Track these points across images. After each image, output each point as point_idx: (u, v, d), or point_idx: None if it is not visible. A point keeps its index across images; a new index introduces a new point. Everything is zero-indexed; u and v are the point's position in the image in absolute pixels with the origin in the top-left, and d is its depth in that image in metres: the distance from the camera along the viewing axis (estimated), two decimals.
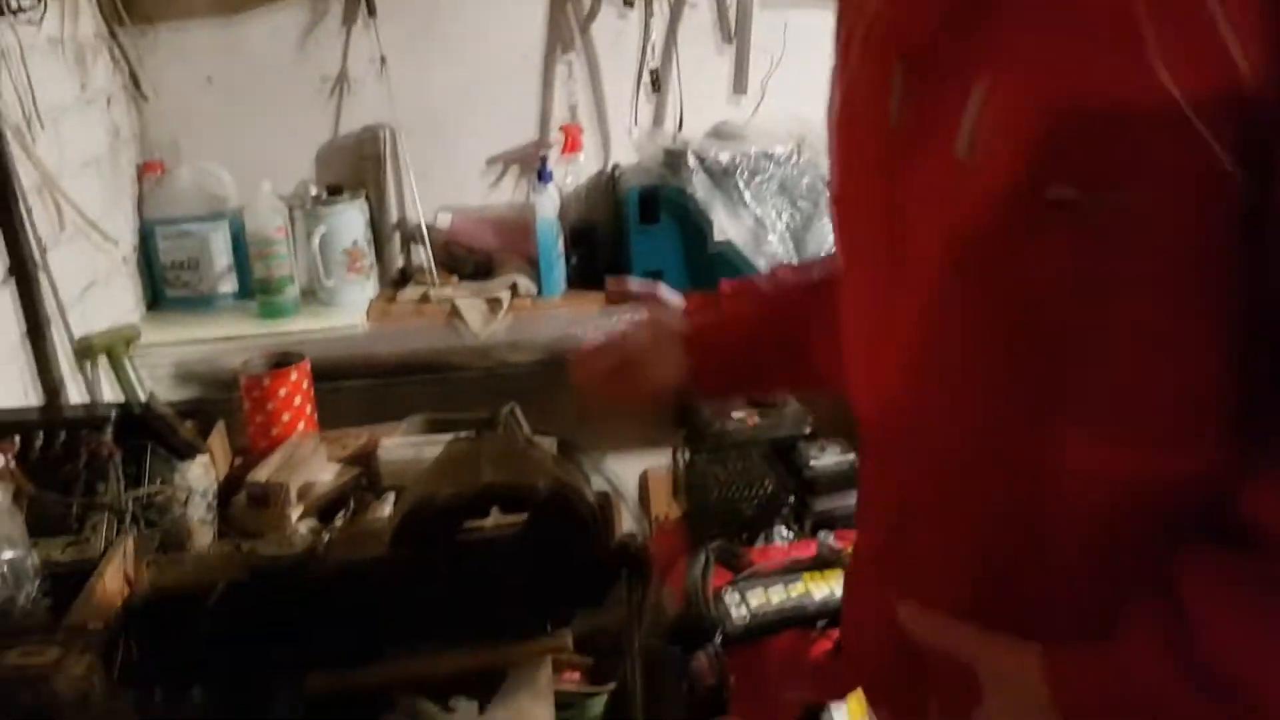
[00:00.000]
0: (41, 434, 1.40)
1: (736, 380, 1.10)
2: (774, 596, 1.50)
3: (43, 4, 1.76)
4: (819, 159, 2.41)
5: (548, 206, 2.42)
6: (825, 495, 1.74)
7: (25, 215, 1.80)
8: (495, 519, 1.18)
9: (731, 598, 1.52)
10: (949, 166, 0.69)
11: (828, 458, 1.76)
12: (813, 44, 2.39)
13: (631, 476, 2.45)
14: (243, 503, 1.64)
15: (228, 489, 1.71)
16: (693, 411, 1.85)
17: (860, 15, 0.80)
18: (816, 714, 1.68)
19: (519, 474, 1.13)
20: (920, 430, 0.74)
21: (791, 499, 1.74)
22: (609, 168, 2.66)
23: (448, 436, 1.62)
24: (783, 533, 1.71)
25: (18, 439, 1.39)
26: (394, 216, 2.58)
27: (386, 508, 1.60)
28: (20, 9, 1.71)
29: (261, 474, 1.62)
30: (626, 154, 2.63)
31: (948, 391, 0.72)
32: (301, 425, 1.78)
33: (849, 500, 1.71)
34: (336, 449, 1.79)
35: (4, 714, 0.84)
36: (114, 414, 1.42)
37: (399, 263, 2.60)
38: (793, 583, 1.53)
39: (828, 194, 0.86)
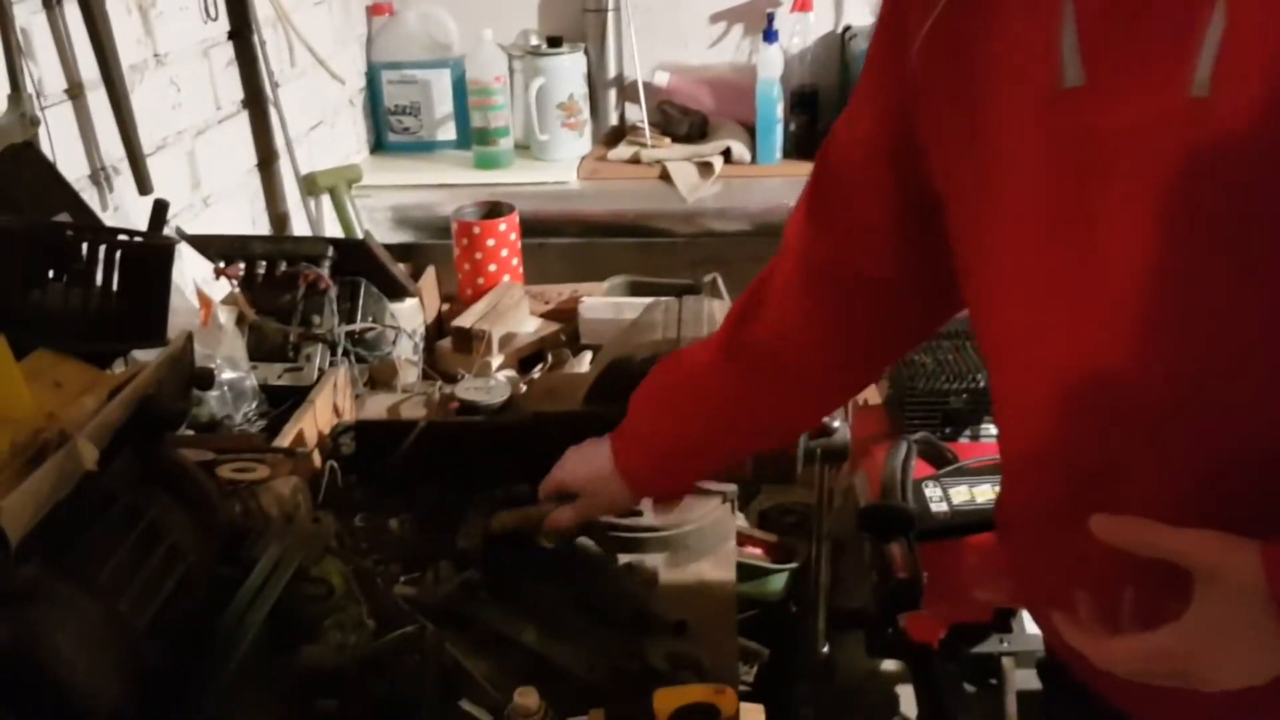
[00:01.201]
0: (265, 262, 1.45)
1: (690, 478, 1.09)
2: (978, 495, 1.43)
3: None
4: None
5: (771, 68, 2.31)
6: None
7: (260, 49, 1.84)
8: None
9: (933, 491, 1.45)
10: (1177, 110, 0.63)
11: None
12: None
13: None
14: (448, 346, 1.68)
15: (435, 331, 1.76)
16: None
17: None
18: (1008, 616, 1.61)
19: None
20: (1149, 382, 0.69)
21: None
22: (840, 29, 2.51)
23: (648, 300, 1.61)
24: (991, 430, 1.62)
25: (243, 265, 1.45)
26: (612, 71, 2.52)
27: (584, 364, 1.60)
28: None
29: (467, 320, 1.65)
30: (861, 14, 2.48)
31: (1196, 340, 0.67)
32: (507, 277, 1.79)
33: None
34: (539, 303, 1.80)
35: (215, 521, 0.88)
36: (332, 249, 1.45)
37: (613, 119, 2.56)
38: (999, 483, 1.44)
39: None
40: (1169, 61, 0.63)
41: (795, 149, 2.39)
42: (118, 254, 1.01)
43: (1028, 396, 0.78)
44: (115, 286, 1.01)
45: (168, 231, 1.53)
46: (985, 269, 0.79)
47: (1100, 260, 0.69)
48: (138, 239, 1.05)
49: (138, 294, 1.03)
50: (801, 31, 2.45)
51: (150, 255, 1.05)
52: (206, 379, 0.99)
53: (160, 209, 1.15)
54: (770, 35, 2.32)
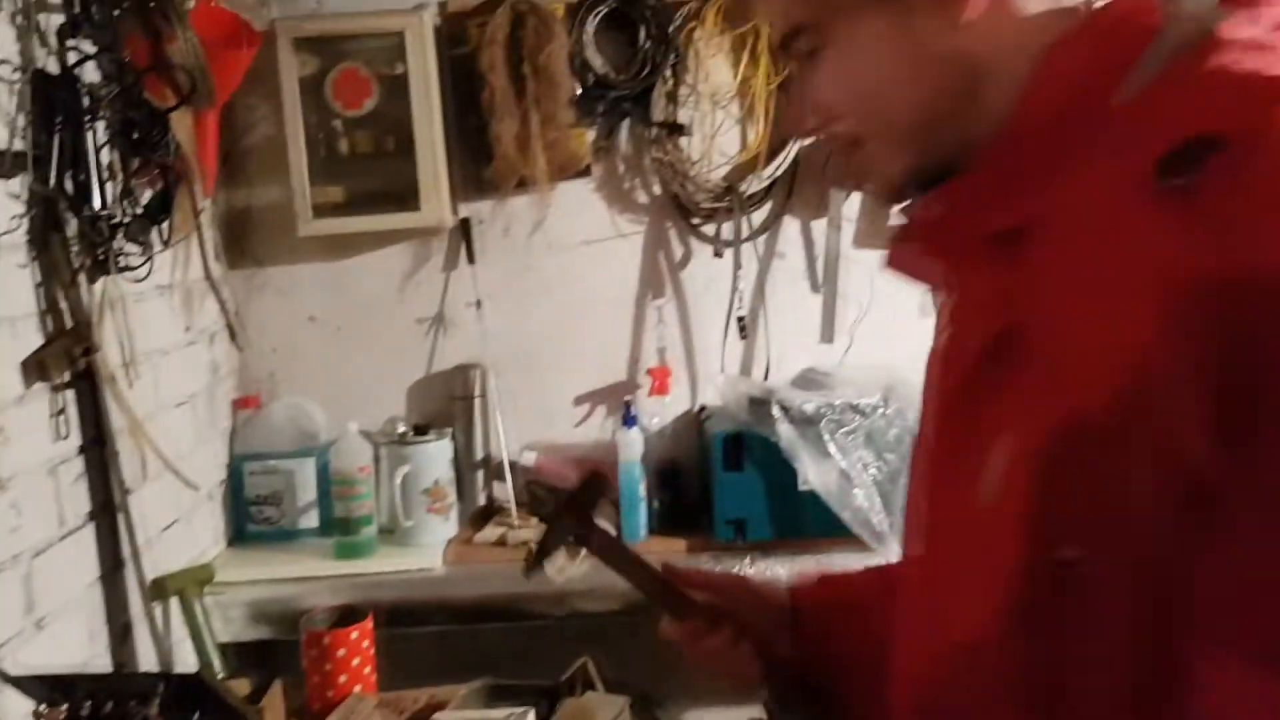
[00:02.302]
0: (89, 703, 1.37)
1: (845, 666, 1.05)
2: None
3: (149, 260, 1.85)
4: (906, 410, 2.36)
5: (631, 449, 2.39)
6: None
7: (112, 460, 1.84)
8: None
9: None
10: (973, 507, 0.70)
11: None
12: (900, 294, 2.41)
13: None
14: None
15: None
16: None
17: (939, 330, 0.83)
18: None
19: None
20: None
21: None
22: (697, 409, 2.64)
23: (505, 713, 1.56)
24: None
25: (65, 708, 1.37)
26: (479, 453, 2.58)
27: None
28: (129, 267, 1.79)
29: None
30: (713, 396, 2.62)
31: None
32: (359, 688, 1.73)
33: None
34: (392, 713, 1.73)
35: None
36: (163, 685, 1.39)
37: (480, 500, 2.59)
38: None
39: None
40: (975, 460, 0.71)
41: (660, 524, 2.44)
42: None
43: None
44: None
45: None
46: None
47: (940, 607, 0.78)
48: None
49: None
50: (660, 412, 2.57)
51: None
52: None
53: None
54: (630, 420, 2.42)
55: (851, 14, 0.76)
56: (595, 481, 1.15)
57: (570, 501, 1.12)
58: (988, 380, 0.72)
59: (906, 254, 0.83)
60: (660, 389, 2.58)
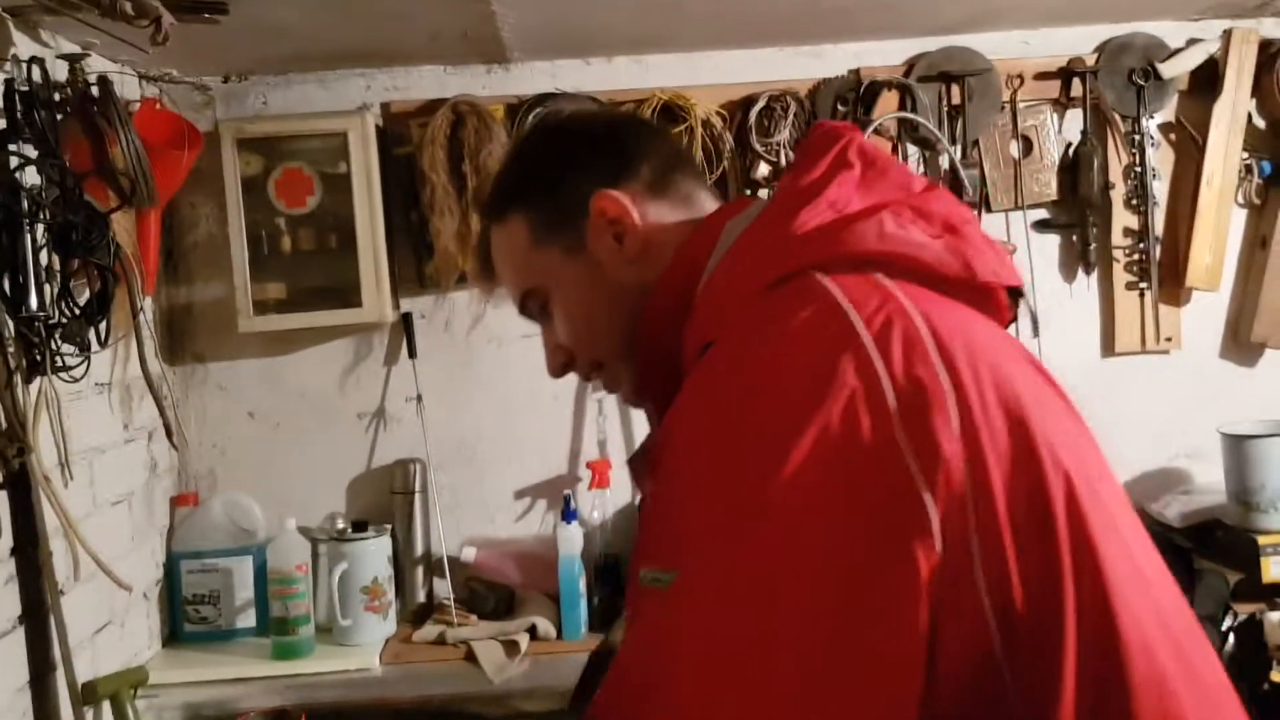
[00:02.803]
0: None
1: None
2: None
3: (86, 361, 1.85)
4: None
5: (571, 545, 2.40)
6: None
7: (44, 562, 1.82)
8: None
9: None
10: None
11: None
12: None
13: None
14: None
15: None
16: None
17: None
18: None
19: None
20: None
21: None
22: (638, 501, 2.66)
23: None
24: None
25: None
26: (419, 550, 2.57)
27: None
28: (65, 368, 1.80)
29: None
30: None
31: None
32: None
33: None
34: None
35: None
36: None
37: (420, 597, 2.57)
38: None
39: None
40: None
41: (600, 622, 2.43)
42: None
43: None
44: None
45: None
46: None
47: None
48: None
49: None
50: (601, 505, 2.58)
51: None
52: None
53: None
54: (569, 515, 2.43)
55: (558, 273, 1.02)
56: (605, 657, 1.18)
57: (584, 683, 1.15)
58: None
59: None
60: (600, 482, 2.60)
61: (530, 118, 2.55)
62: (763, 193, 2.59)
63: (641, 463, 0.94)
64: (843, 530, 0.70)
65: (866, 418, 0.72)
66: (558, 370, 1.06)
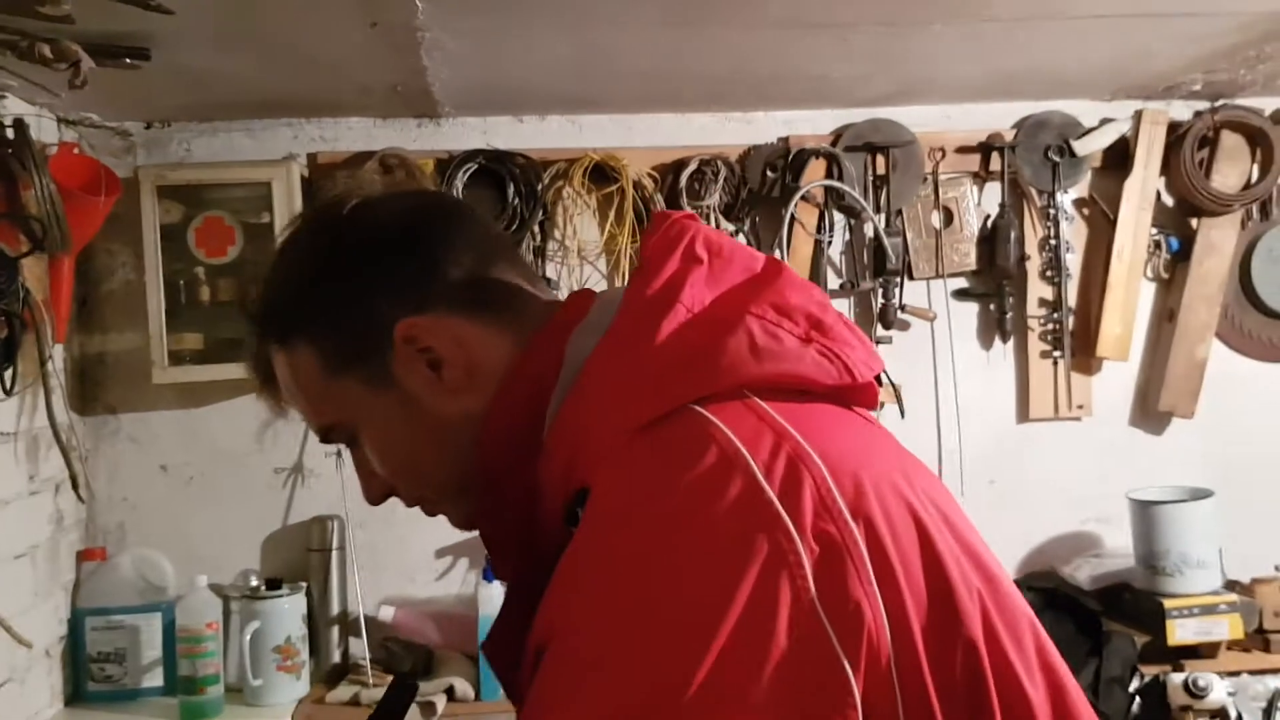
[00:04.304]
0: None
1: None
2: None
3: None
4: None
5: (493, 604, 2.37)
6: None
7: None
8: None
9: None
10: None
11: None
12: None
13: None
14: None
15: None
16: None
17: None
18: None
19: None
20: None
21: None
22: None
23: None
24: None
25: None
26: (335, 608, 2.51)
27: None
28: None
29: None
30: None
31: None
32: None
33: None
34: None
35: None
36: None
37: (335, 657, 2.50)
38: None
39: None
40: None
41: None
42: None
43: None
44: None
45: None
46: None
47: None
48: None
49: None
50: None
51: None
52: None
53: None
54: (489, 574, 2.40)
55: (364, 407, 0.87)
56: (400, 691, 1.13)
57: (379, 714, 1.09)
58: None
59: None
60: None
61: (460, 174, 2.55)
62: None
63: (509, 641, 0.85)
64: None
65: (786, 592, 0.67)
66: (377, 499, 0.93)
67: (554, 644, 0.72)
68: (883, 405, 0.90)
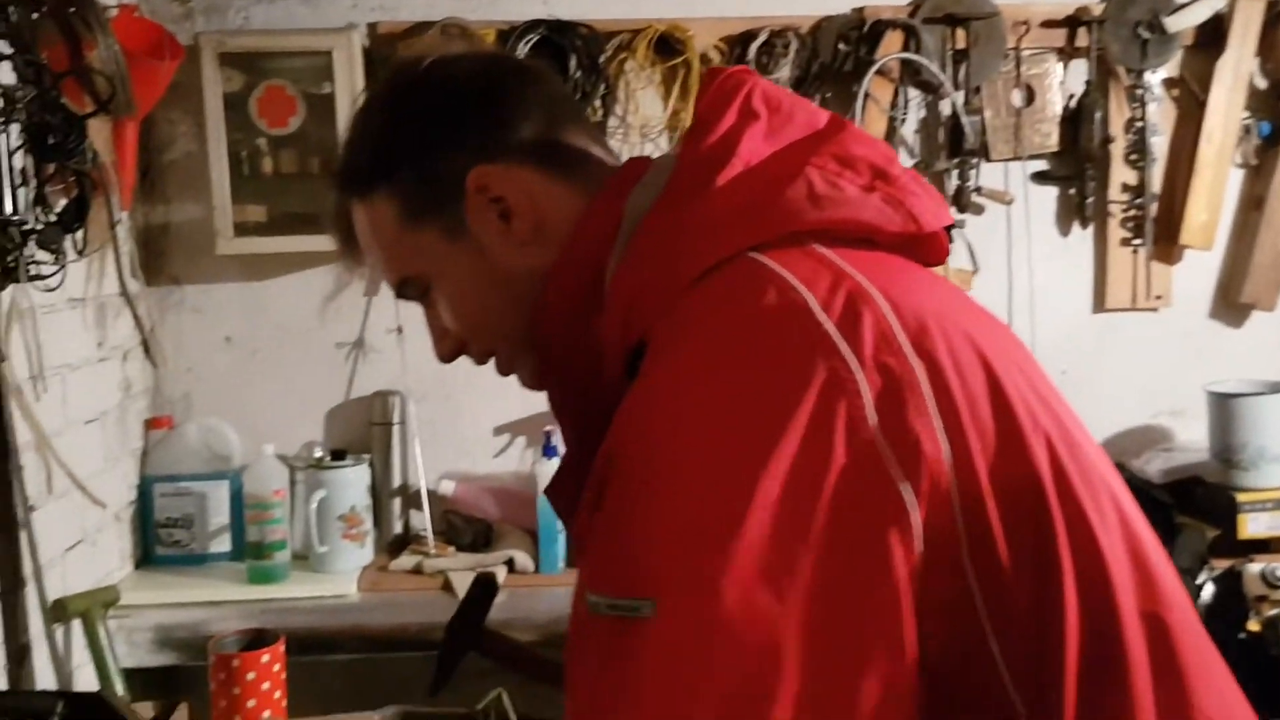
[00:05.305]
0: None
1: None
2: None
3: (63, 270, 1.79)
4: None
5: None
6: None
7: (16, 475, 1.77)
8: None
9: None
10: None
11: None
12: None
13: None
14: None
15: None
16: None
17: None
18: None
19: None
20: None
21: None
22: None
23: None
24: None
25: None
26: (396, 481, 2.54)
27: None
28: (40, 276, 1.74)
29: None
30: None
31: None
32: (268, 713, 1.67)
33: None
34: None
35: None
36: (62, 704, 1.33)
37: (397, 528, 2.54)
38: None
39: None
40: None
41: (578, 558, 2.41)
42: None
43: None
44: None
45: None
46: None
47: None
48: None
49: None
50: None
51: None
52: None
53: None
54: (549, 450, 2.41)
55: (439, 258, 0.89)
56: (484, 587, 1.13)
57: (462, 613, 1.09)
58: None
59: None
60: None
61: (522, 45, 2.49)
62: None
63: (569, 486, 0.86)
64: (827, 546, 0.65)
65: (843, 416, 0.67)
66: (447, 356, 0.95)
67: (616, 467, 0.72)
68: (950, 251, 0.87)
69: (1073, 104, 2.57)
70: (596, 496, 0.73)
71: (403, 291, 0.93)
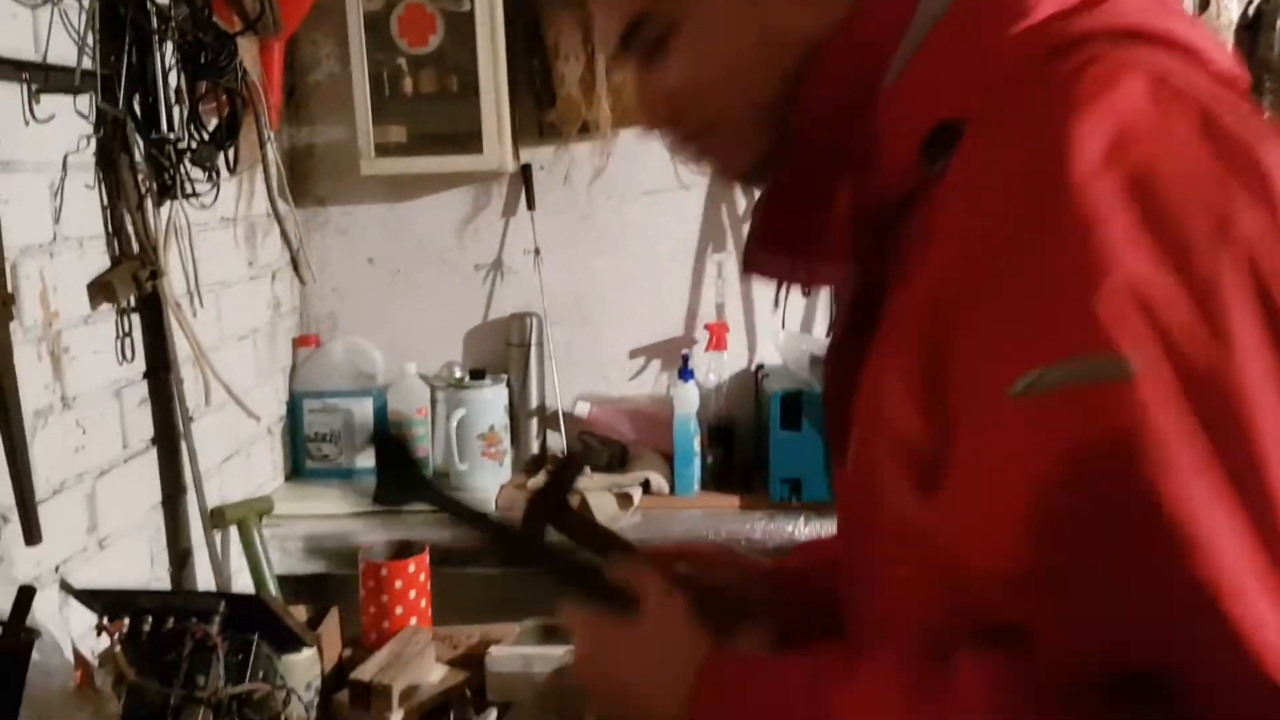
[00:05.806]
0: (151, 618, 1.38)
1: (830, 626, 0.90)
2: None
3: (215, 188, 1.83)
4: None
5: (687, 404, 2.36)
6: None
7: (176, 387, 1.84)
8: None
9: None
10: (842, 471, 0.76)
11: None
12: None
13: None
14: (345, 701, 1.58)
15: (334, 681, 1.66)
16: None
17: None
18: None
19: None
20: None
21: None
22: (754, 367, 2.60)
23: (560, 650, 1.56)
24: None
25: (128, 621, 1.37)
26: (533, 402, 2.57)
27: None
28: (195, 194, 1.78)
29: (366, 672, 1.56)
30: (771, 354, 2.57)
31: None
32: (414, 620, 1.72)
33: None
34: (446, 648, 1.72)
35: None
36: (224, 605, 1.39)
37: (534, 449, 2.57)
38: None
39: None
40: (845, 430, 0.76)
41: (713, 481, 2.41)
42: None
43: None
44: None
45: (51, 582, 1.46)
46: None
47: None
48: None
49: None
50: (717, 368, 2.53)
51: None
52: None
53: (24, 597, 1.09)
54: (686, 374, 2.39)
55: None
56: (569, 462, 1.11)
57: (544, 490, 1.08)
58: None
59: (762, 258, 0.85)
60: (718, 344, 2.54)
61: None
62: None
63: (861, 316, 0.74)
64: None
65: None
66: (657, 121, 0.80)
67: (998, 237, 0.59)
68: None
69: (1250, 10, 2.39)
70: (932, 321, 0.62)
71: (635, 31, 0.77)
